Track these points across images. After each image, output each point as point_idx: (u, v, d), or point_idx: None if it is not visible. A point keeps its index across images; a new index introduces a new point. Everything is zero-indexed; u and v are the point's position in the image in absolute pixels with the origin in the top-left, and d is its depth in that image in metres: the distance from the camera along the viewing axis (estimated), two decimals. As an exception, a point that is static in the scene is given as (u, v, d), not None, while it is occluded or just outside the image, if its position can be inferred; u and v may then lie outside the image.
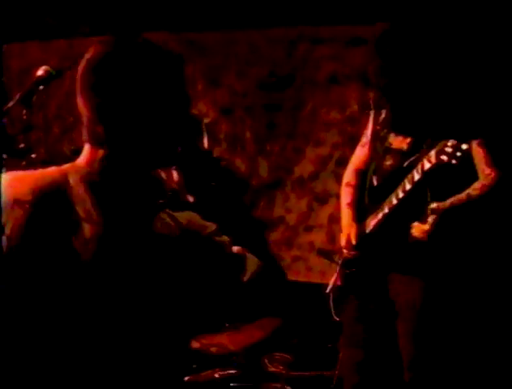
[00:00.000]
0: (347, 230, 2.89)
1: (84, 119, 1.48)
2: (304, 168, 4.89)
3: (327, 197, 4.79)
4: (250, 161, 5.03)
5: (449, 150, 2.33)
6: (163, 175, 3.50)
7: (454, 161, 2.32)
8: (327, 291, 2.97)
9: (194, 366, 3.80)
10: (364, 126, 2.89)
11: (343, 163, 4.74)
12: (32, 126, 2.82)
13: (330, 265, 4.69)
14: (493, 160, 2.50)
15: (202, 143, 4.09)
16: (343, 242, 2.92)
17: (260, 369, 3.90)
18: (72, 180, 1.44)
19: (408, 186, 2.50)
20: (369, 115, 2.80)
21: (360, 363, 2.82)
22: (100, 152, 1.46)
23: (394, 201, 2.58)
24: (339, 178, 4.76)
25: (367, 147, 2.83)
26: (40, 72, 2.54)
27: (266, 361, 3.93)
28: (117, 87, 1.43)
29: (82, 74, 1.47)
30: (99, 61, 1.45)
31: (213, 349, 4.01)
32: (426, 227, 2.50)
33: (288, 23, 4.73)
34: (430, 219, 2.49)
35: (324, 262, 4.76)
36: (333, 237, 4.84)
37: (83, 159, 1.49)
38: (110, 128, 1.44)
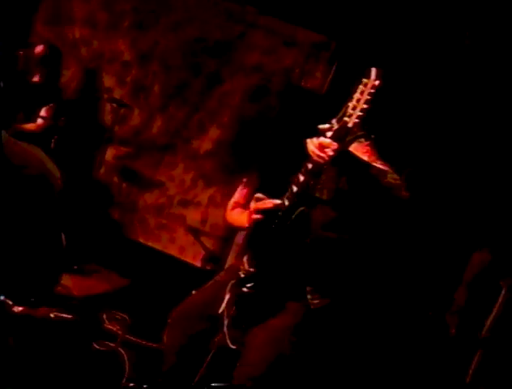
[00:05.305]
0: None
1: None
2: (202, 144, 4.85)
3: (214, 179, 4.80)
4: (148, 114, 4.91)
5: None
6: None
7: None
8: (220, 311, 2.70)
9: (33, 300, 3.67)
10: None
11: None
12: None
13: (194, 244, 4.73)
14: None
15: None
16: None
17: (97, 324, 3.83)
18: None
19: (310, 165, 2.42)
20: None
21: (184, 347, 2.66)
22: None
23: (301, 178, 2.47)
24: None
25: None
26: None
27: (104, 316, 3.86)
28: None
29: None
30: None
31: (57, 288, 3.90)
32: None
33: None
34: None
35: (188, 240, 4.79)
36: (206, 219, 4.85)
37: None
38: None
